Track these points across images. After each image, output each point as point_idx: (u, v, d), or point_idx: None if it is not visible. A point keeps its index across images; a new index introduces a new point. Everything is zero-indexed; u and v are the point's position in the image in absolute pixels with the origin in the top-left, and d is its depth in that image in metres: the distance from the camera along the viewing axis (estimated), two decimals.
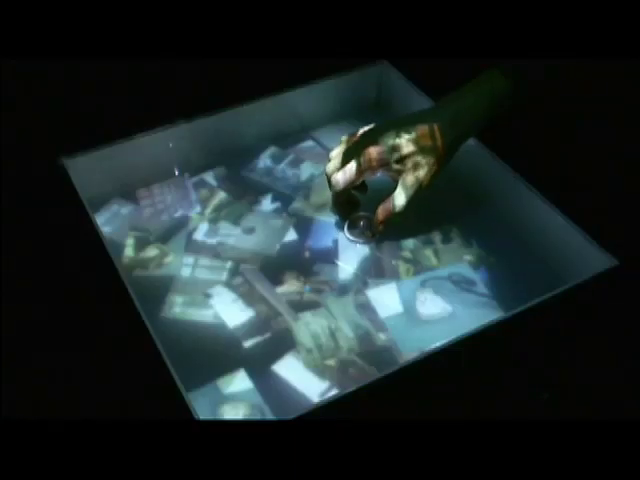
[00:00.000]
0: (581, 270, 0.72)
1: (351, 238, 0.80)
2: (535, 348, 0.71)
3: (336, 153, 0.80)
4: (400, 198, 0.75)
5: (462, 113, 0.75)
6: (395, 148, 0.74)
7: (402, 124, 0.75)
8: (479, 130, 0.77)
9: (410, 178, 0.74)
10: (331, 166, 0.79)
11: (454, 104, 0.75)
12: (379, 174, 0.77)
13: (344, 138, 0.80)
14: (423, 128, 0.74)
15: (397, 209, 0.76)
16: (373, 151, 0.75)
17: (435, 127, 0.74)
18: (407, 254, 0.80)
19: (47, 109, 0.94)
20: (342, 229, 0.81)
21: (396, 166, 0.75)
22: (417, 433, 0.56)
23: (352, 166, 0.76)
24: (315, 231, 0.82)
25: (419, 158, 0.74)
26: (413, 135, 0.74)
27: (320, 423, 0.57)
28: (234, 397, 0.68)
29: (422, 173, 0.74)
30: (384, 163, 0.74)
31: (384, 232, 0.79)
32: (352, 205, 0.82)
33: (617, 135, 0.89)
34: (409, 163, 0.74)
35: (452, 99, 0.76)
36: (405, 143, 0.74)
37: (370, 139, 0.76)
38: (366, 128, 0.79)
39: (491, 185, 0.83)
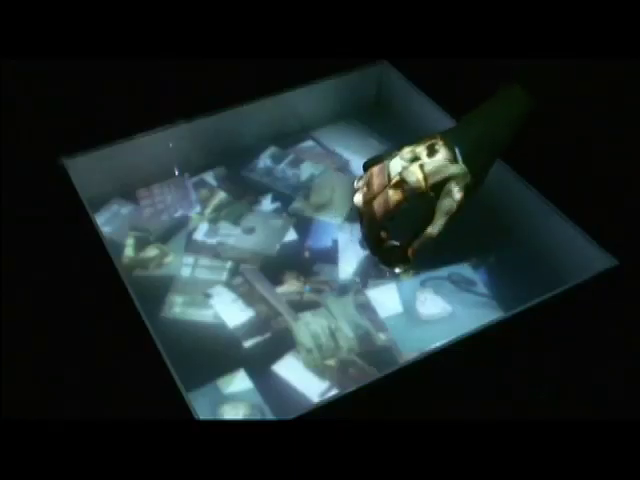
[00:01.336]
0: (581, 270, 0.72)
1: (387, 269, 0.78)
2: (535, 348, 0.71)
3: (362, 183, 0.75)
4: (436, 225, 0.72)
5: (486, 138, 0.72)
6: (394, 157, 0.73)
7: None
8: (504, 149, 0.75)
9: (445, 204, 0.72)
10: (360, 197, 0.75)
11: (477, 129, 0.73)
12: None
13: (390, 172, 0.75)
14: (424, 139, 0.73)
15: (433, 235, 0.72)
16: (375, 168, 0.74)
17: (438, 137, 0.73)
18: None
19: (47, 109, 0.94)
20: (377, 262, 0.78)
21: (432, 194, 0.72)
22: (417, 433, 0.56)
23: (386, 197, 0.72)
24: (315, 231, 0.82)
25: (452, 184, 0.71)
26: (414, 144, 0.73)
27: (320, 423, 0.57)
28: (234, 397, 0.68)
29: (456, 197, 0.72)
30: (385, 179, 0.73)
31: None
32: (384, 234, 0.77)
33: (617, 135, 0.89)
34: (444, 189, 0.72)
35: (473, 121, 0.73)
36: (406, 152, 0.73)
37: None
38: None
39: (491, 185, 0.83)
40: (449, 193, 0.72)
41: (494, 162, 0.75)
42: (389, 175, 0.73)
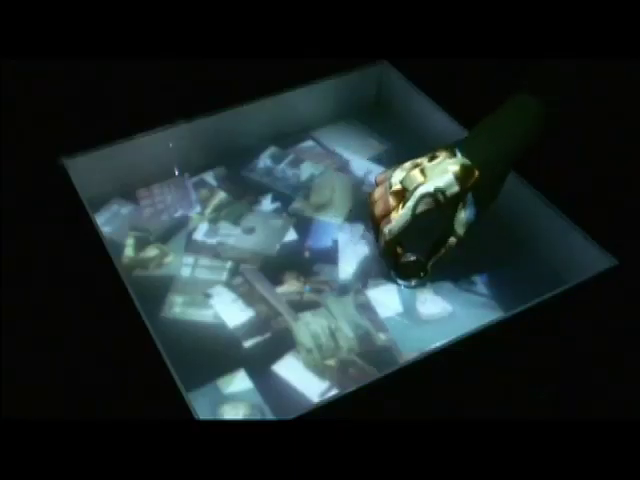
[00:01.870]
0: (581, 270, 0.72)
1: (405, 284, 0.77)
2: (535, 348, 0.71)
3: (378, 195, 0.73)
4: (456, 238, 0.72)
5: (501, 149, 0.71)
6: (398, 170, 0.73)
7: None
8: (518, 158, 0.73)
9: (463, 216, 0.71)
10: (377, 211, 0.73)
11: (491, 140, 0.71)
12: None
13: (379, 178, 0.75)
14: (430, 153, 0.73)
15: (452, 248, 0.73)
16: (379, 187, 0.73)
17: (440, 147, 0.72)
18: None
19: (47, 109, 0.94)
20: (393, 276, 0.77)
21: (447, 207, 0.71)
22: (417, 433, 0.56)
23: (404, 211, 0.70)
24: (315, 231, 0.82)
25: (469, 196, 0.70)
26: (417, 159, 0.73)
27: (320, 423, 0.57)
28: (234, 397, 0.68)
29: (470, 210, 0.71)
30: (388, 191, 0.72)
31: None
32: (400, 246, 0.76)
33: (617, 135, 0.89)
34: (462, 201, 0.71)
35: (486, 133, 0.72)
36: (408, 163, 0.73)
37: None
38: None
39: None
40: (466, 205, 0.71)
41: (509, 172, 0.74)
42: (390, 185, 0.72)
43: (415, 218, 0.70)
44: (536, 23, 0.69)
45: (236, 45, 0.81)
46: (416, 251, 0.76)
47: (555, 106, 0.71)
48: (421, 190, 0.70)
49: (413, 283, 0.76)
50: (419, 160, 0.72)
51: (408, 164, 0.73)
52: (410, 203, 0.70)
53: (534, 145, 0.72)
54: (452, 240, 0.72)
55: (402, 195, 0.71)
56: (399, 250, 0.76)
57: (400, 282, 0.77)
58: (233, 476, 0.53)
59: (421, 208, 0.70)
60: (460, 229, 0.72)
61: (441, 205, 0.70)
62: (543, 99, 0.71)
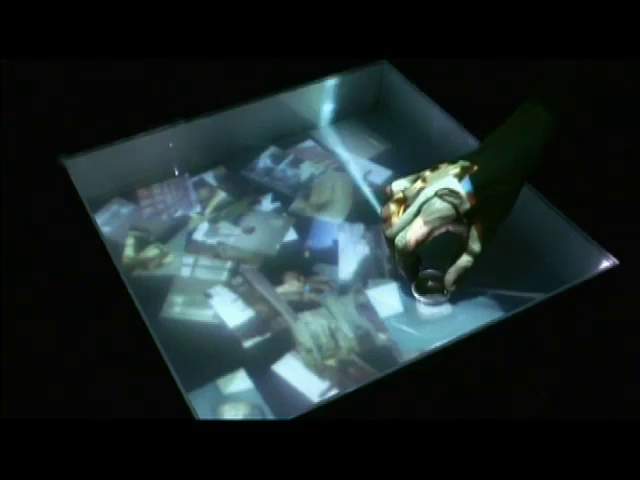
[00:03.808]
0: (581, 270, 0.72)
1: (424, 300, 0.75)
2: (535, 348, 0.71)
3: (391, 211, 0.73)
4: (472, 253, 0.72)
5: (516, 161, 0.71)
6: (403, 180, 0.73)
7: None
8: (534, 168, 0.73)
9: (480, 228, 0.71)
10: (393, 228, 0.72)
11: (506, 154, 0.71)
12: (450, 229, 0.71)
13: (392, 190, 0.74)
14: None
15: (470, 265, 0.72)
16: (389, 203, 0.73)
17: (444, 163, 0.73)
18: None
19: (47, 109, 0.94)
20: (411, 291, 0.75)
21: (465, 220, 0.71)
22: (417, 433, 0.56)
23: (421, 223, 0.70)
24: (315, 231, 0.83)
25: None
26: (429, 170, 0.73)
27: (320, 423, 0.57)
28: (234, 397, 0.68)
29: (486, 223, 0.71)
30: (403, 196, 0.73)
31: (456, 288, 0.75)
32: (418, 262, 0.75)
33: (617, 134, 0.89)
34: (477, 215, 0.71)
35: (501, 145, 0.72)
36: (412, 177, 0.73)
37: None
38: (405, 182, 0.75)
39: None
40: (481, 219, 0.71)
41: (522, 186, 0.73)
42: (393, 194, 0.73)
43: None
44: (536, 23, 0.69)
45: (236, 45, 0.81)
46: (434, 267, 0.76)
47: (567, 113, 0.72)
48: (424, 193, 0.70)
49: (435, 300, 0.75)
50: (421, 173, 0.73)
51: (412, 176, 0.73)
52: (413, 208, 0.70)
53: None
54: (468, 256, 0.72)
55: (404, 203, 0.72)
56: (418, 265, 0.75)
57: (421, 299, 0.75)
58: (233, 476, 0.53)
59: (438, 223, 0.70)
60: (475, 245, 0.72)
61: (459, 220, 0.70)
62: (554, 107, 0.71)
